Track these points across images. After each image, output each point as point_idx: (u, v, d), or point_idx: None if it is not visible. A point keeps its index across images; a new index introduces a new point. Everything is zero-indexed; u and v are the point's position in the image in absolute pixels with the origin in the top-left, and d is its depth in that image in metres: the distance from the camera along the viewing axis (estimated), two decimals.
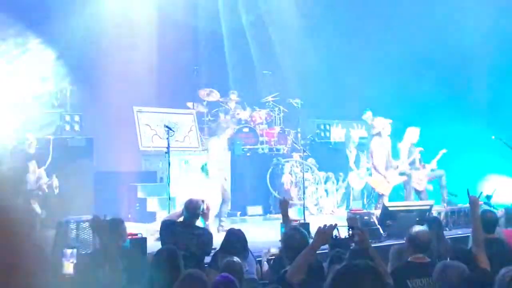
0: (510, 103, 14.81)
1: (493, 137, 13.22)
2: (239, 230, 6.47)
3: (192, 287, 4.12)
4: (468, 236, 7.44)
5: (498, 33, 14.98)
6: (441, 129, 14.22)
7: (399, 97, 15.00)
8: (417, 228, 5.48)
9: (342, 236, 4.78)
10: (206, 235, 6.60)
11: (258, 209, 13.51)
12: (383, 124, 12.17)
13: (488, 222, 6.48)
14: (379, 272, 3.01)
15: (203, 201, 6.99)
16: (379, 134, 12.15)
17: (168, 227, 6.54)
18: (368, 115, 14.25)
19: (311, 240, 4.90)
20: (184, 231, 6.38)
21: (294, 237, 4.89)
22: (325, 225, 4.66)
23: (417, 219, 9.74)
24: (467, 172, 13.99)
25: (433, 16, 15.46)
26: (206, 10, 15.17)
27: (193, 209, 6.64)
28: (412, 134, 12.37)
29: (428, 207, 10.86)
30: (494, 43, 15.04)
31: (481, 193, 9.95)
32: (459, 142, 14.09)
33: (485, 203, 9.84)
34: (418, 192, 12.26)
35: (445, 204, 11.98)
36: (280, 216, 12.46)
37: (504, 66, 15.11)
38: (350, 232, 4.71)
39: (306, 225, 9.25)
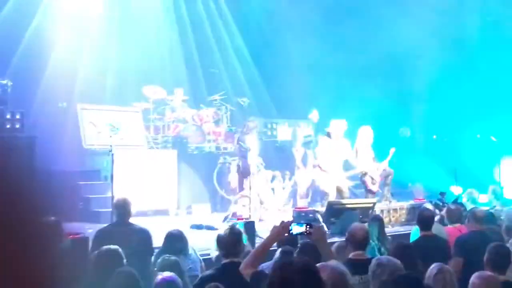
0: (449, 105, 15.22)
1: (434, 136, 13.60)
2: (178, 230, 6.43)
3: (123, 283, 4.11)
4: (409, 233, 7.62)
5: (439, 37, 15.36)
6: (389, 130, 14.52)
7: (345, 97, 15.21)
8: (355, 225, 5.57)
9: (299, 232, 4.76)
10: (145, 232, 6.51)
11: (205, 208, 13.47)
12: (337, 126, 12.36)
13: (425, 219, 6.66)
14: (314, 270, 3.05)
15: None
16: (328, 134, 12.34)
17: (101, 233, 6.34)
18: (314, 114, 14.39)
19: (258, 239, 4.92)
20: (120, 230, 6.27)
21: (225, 234, 4.90)
22: (282, 221, 4.69)
23: (360, 216, 9.95)
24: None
25: (379, 20, 15.70)
26: (153, 6, 15.04)
27: (121, 208, 6.47)
28: (365, 133, 12.56)
29: (371, 205, 11.06)
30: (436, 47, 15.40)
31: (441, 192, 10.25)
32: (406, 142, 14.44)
33: (438, 199, 10.07)
34: (372, 193, 12.49)
35: (388, 202, 12.21)
36: (225, 214, 12.58)
37: (445, 67, 15.49)
38: (307, 228, 4.73)
39: (251, 223, 9.29)
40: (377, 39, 15.39)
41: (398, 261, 4.42)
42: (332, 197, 11.76)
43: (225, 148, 14.43)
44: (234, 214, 11.66)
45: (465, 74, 15.76)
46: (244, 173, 12.46)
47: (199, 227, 10.87)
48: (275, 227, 4.62)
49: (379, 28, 15.26)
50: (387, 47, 15.28)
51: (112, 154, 9.82)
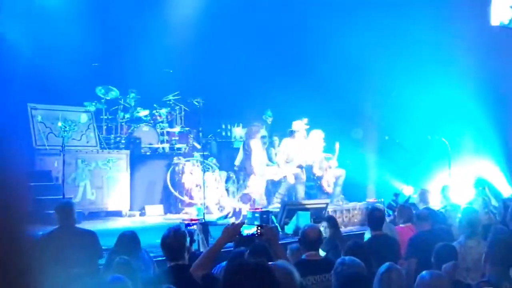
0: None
1: (386, 137, 13.80)
2: (132, 232, 6.35)
3: None
4: (363, 233, 7.69)
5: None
6: (341, 132, 14.66)
7: (298, 99, 15.28)
8: (308, 226, 5.60)
9: (250, 233, 4.74)
10: (92, 234, 6.40)
11: (158, 209, 13.37)
12: (299, 126, 12.49)
13: (375, 219, 6.74)
14: (268, 270, 3.04)
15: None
16: (292, 135, 12.46)
17: (46, 237, 6.12)
18: (268, 115, 14.46)
19: (211, 240, 4.88)
20: (65, 234, 6.11)
21: (169, 236, 4.84)
22: (232, 223, 4.66)
23: (313, 217, 10.01)
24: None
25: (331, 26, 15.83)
26: (106, 5, 14.82)
27: (65, 211, 6.30)
28: (318, 135, 12.69)
29: (324, 205, 11.15)
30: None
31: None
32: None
33: (392, 200, 10.20)
34: (327, 194, 12.61)
35: (340, 202, 12.34)
36: (180, 216, 12.51)
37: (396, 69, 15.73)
38: (259, 229, 4.71)
39: (204, 225, 9.24)
40: (330, 44, 15.53)
41: (360, 262, 4.45)
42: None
43: (179, 149, 14.33)
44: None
45: (416, 76, 16.02)
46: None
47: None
48: (226, 229, 4.59)
49: (331, 33, 15.39)
50: (340, 50, 15.43)
51: (64, 155, 9.66)
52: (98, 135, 13.42)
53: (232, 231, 4.56)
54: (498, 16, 17.47)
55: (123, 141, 13.74)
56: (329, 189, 12.62)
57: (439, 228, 7.19)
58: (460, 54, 16.17)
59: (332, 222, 7.59)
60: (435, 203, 9.63)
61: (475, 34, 16.33)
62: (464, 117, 15.87)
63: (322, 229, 7.38)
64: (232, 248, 5.96)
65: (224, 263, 5.46)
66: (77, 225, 6.57)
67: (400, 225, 7.68)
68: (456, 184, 12.50)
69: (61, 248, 5.09)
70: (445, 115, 15.53)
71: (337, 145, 13.01)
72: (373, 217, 6.79)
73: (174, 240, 4.80)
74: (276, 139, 13.51)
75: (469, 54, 16.21)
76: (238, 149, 15.37)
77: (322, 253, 6.29)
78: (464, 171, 14.51)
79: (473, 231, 6.23)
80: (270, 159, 13.38)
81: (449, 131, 14.76)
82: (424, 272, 4.30)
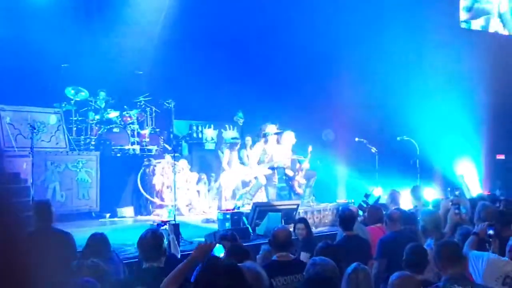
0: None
1: (356, 139, 13.92)
2: (102, 234, 6.31)
3: None
4: (335, 233, 7.74)
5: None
6: (312, 133, 14.75)
7: (270, 101, 15.33)
8: (278, 227, 5.62)
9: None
10: (68, 235, 6.34)
11: (129, 211, 13.28)
12: (271, 130, 12.55)
13: (346, 220, 6.79)
14: (240, 271, 3.07)
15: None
16: (264, 138, 12.52)
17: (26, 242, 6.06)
18: (240, 117, 14.47)
19: (182, 241, 4.86)
20: (42, 235, 6.06)
21: (146, 237, 4.83)
22: (205, 241, 4.67)
23: (284, 218, 10.05)
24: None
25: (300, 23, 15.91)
26: (76, 5, 14.69)
27: (43, 211, 6.24)
28: (289, 137, 12.75)
29: (295, 207, 11.20)
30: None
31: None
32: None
33: (363, 201, 10.29)
34: (298, 195, 12.66)
35: (311, 203, 12.40)
36: (150, 217, 12.47)
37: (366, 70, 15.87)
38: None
39: (176, 226, 9.22)
40: (299, 45, 15.61)
41: (332, 262, 4.48)
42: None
43: (149, 150, 14.26)
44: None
45: (387, 77, 16.20)
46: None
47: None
48: (200, 246, 4.56)
49: (301, 34, 15.47)
50: (310, 51, 15.52)
51: (33, 156, 9.54)
52: (68, 137, 13.27)
53: (203, 250, 4.52)
54: (471, 19, 17.78)
55: (93, 143, 13.61)
56: (300, 190, 12.69)
57: (409, 229, 7.27)
58: (431, 55, 16.42)
59: (307, 223, 7.69)
60: (405, 204, 9.74)
61: (445, 35, 16.58)
62: (435, 118, 16.11)
63: (299, 231, 7.45)
64: None
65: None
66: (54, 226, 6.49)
67: (371, 226, 7.75)
68: (426, 185, 12.70)
69: (41, 249, 5.02)
70: (415, 116, 15.72)
71: (309, 148, 13.09)
72: (344, 217, 6.84)
73: (151, 241, 4.78)
74: (248, 139, 13.52)
75: (440, 55, 16.46)
76: (209, 150, 15.39)
77: (305, 256, 6.34)
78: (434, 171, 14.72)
79: (441, 233, 6.30)
80: (241, 160, 13.39)
81: (419, 132, 14.96)
82: (395, 273, 4.35)
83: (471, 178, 14.76)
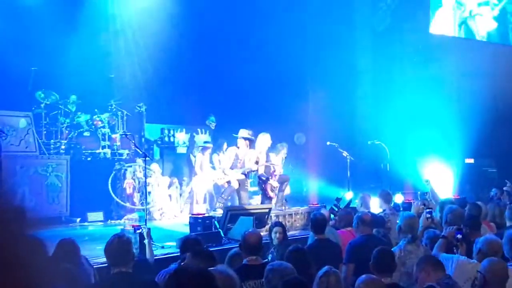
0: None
1: (328, 143, 14.02)
2: (71, 239, 6.27)
3: None
4: (305, 237, 7.79)
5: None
6: (284, 137, 14.80)
7: (241, 104, 15.38)
8: (249, 231, 5.64)
9: None
10: (41, 241, 6.27)
11: (99, 215, 13.18)
12: (244, 135, 12.55)
13: (317, 223, 6.84)
14: (210, 276, 3.08)
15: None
16: (237, 143, 12.54)
17: None
18: (212, 121, 14.46)
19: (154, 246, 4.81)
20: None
21: (113, 243, 4.81)
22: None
23: (256, 222, 10.07)
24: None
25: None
26: (47, 8, 14.53)
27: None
28: (264, 139, 12.77)
29: (267, 211, 11.23)
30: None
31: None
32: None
33: (334, 204, 10.36)
34: (270, 199, 12.67)
35: (283, 207, 12.43)
36: (122, 222, 12.40)
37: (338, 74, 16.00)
38: None
39: (148, 230, 9.17)
40: (270, 50, 15.68)
41: (290, 265, 4.51)
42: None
43: (120, 154, 14.16)
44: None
45: (358, 82, 16.36)
46: None
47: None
48: None
49: (271, 39, 15.55)
50: (280, 56, 15.61)
51: (1, 161, 9.43)
52: (38, 140, 13.14)
53: None
54: (439, 25, 18.03)
55: (63, 147, 13.48)
56: (272, 194, 12.71)
57: (378, 232, 7.35)
58: (401, 61, 16.60)
59: (284, 227, 7.75)
60: (375, 207, 9.83)
61: (415, 42, 16.77)
62: (405, 122, 16.29)
63: (275, 234, 7.48)
64: (179, 254, 5.98)
65: (170, 268, 5.47)
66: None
67: (342, 229, 7.81)
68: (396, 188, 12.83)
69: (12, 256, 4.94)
70: (385, 120, 15.89)
71: (284, 154, 13.17)
72: (316, 221, 6.88)
73: (118, 246, 4.76)
74: (224, 143, 13.51)
75: (410, 61, 16.66)
76: (181, 154, 15.33)
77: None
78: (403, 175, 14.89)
79: (413, 236, 6.38)
80: (212, 164, 13.39)
81: (390, 136, 15.12)
82: (362, 277, 4.40)
83: (441, 182, 14.94)
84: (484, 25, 20.02)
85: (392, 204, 9.84)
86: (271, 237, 7.56)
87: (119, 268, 4.66)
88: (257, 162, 12.54)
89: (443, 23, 19.26)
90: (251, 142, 12.69)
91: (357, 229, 6.87)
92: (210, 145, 13.67)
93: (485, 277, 4.54)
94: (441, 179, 15.35)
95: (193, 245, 5.85)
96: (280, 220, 11.19)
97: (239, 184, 12.48)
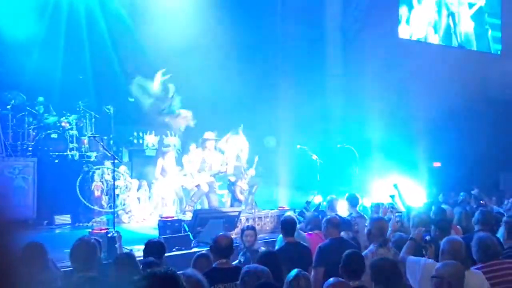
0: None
1: (298, 146, 14.09)
2: (37, 242, 6.19)
3: None
4: (274, 240, 7.80)
5: None
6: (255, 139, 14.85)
7: (215, 106, 15.36)
8: (219, 234, 5.64)
9: None
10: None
11: (66, 218, 13.03)
12: (210, 137, 12.57)
13: (287, 226, 6.85)
14: (177, 279, 3.08)
15: None
16: (203, 144, 12.52)
17: None
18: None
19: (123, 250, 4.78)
20: None
21: (77, 246, 4.77)
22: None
23: (226, 225, 10.07)
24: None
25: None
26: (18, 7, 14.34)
27: None
28: (235, 141, 12.79)
29: (237, 213, 11.24)
30: None
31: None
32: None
33: (304, 208, 10.40)
34: (239, 201, 12.67)
35: (253, 210, 12.46)
36: (89, 225, 12.27)
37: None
38: None
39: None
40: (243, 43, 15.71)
41: (266, 269, 4.52)
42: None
43: (88, 157, 14.03)
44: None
45: (325, 87, 16.49)
46: None
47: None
48: None
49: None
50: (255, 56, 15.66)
51: None
52: (4, 142, 12.94)
53: None
54: (408, 30, 18.25)
55: (30, 149, 13.30)
56: (241, 197, 12.72)
57: (347, 235, 7.39)
58: (368, 66, 16.75)
59: (256, 230, 7.76)
60: (342, 211, 9.89)
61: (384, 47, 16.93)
62: (370, 127, 16.45)
63: (247, 237, 7.49)
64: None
65: None
66: None
67: (310, 232, 7.83)
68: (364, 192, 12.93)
69: None
70: (353, 124, 16.02)
71: (256, 158, 13.17)
72: (286, 224, 6.88)
73: (83, 250, 4.71)
74: (193, 146, 13.49)
75: (377, 66, 16.83)
76: (150, 156, 15.23)
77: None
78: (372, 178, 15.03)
79: (384, 240, 6.41)
80: (182, 166, 13.35)
81: (357, 140, 15.26)
82: (329, 280, 4.42)
83: (407, 186, 15.13)
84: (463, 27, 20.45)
85: (360, 208, 9.91)
86: (242, 240, 7.57)
87: (84, 272, 4.59)
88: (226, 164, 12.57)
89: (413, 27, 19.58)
90: (217, 144, 12.71)
91: (326, 232, 6.88)
92: (169, 149, 13.61)
93: (442, 280, 4.56)
94: (407, 183, 15.54)
95: (157, 248, 5.84)
96: (249, 223, 11.23)
97: (208, 186, 12.48)
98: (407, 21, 19.55)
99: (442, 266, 4.72)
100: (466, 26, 20.81)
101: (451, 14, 20.55)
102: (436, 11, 20.38)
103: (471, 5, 21.03)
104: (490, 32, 21.48)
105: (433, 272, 4.74)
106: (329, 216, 7.40)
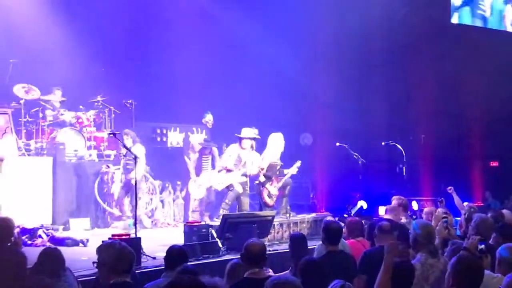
0: None
1: (337, 144, 13.96)
2: (55, 249, 6.21)
3: None
4: (314, 247, 7.69)
5: None
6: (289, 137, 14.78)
7: (240, 102, 15.33)
8: (251, 240, 5.55)
9: None
10: (19, 254, 6.25)
11: (85, 223, 13.11)
12: (248, 134, 12.48)
13: (332, 233, 6.71)
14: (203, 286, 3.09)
15: None
16: (240, 142, 12.44)
17: None
18: (209, 119, 14.37)
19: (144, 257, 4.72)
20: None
21: (115, 248, 4.72)
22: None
23: (258, 231, 9.99)
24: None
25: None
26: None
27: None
28: (276, 140, 12.68)
29: (270, 218, 11.14)
30: None
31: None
32: None
33: (345, 212, 10.31)
34: (268, 206, 12.53)
35: (288, 214, 12.34)
36: (108, 230, 12.32)
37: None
38: None
39: (137, 240, 9.13)
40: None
41: (297, 280, 4.43)
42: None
43: (107, 156, 14.10)
44: None
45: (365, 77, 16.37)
46: None
47: None
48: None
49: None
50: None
51: None
52: (17, 140, 13.09)
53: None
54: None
55: (45, 147, 13.43)
56: (268, 200, 12.48)
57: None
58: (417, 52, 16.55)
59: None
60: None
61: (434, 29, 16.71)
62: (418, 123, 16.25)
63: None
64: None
65: (158, 280, 5.41)
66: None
67: (351, 240, 7.71)
68: None
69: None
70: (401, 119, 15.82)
71: (298, 163, 12.97)
72: (331, 231, 6.72)
73: (122, 253, 4.67)
74: (224, 146, 13.42)
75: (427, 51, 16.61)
76: (174, 155, 15.21)
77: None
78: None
79: (434, 248, 6.25)
80: (213, 167, 13.23)
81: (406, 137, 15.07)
82: None
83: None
84: None
85: (409, 212, 9.77)
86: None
87: (120, 277, 4.52)
88: (261, 169, 12.41)
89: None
90: (257, 143, 12.60)
91: (376, 238, 6.74)
92: (211, 145, 13.43)
93: None
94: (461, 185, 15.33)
95: (179, 256, 5.79)
96: (284, 229, 11.16)
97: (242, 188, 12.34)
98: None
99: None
100: None
101: None
102: None
103: None
104: None
105: (489, 284, 4.61)
106: (379, 222, 7.26)
